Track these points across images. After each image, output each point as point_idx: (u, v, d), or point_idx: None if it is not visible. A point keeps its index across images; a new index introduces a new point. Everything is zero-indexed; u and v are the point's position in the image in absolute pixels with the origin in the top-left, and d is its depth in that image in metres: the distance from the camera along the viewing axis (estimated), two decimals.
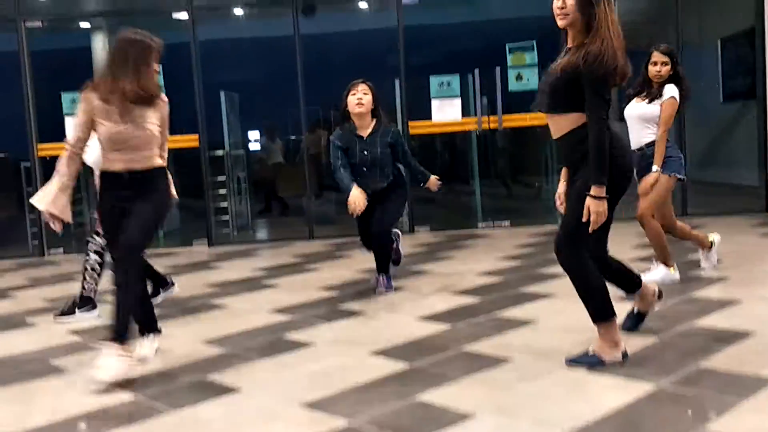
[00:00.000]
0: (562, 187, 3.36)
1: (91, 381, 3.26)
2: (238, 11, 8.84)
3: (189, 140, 8.12)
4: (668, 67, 4.55)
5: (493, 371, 3.21)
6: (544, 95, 3.12)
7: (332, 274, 5.79)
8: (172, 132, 9.27)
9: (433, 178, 5.20)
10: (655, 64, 4.55)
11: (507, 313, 4.20)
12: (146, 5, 8.52)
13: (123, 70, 3.37)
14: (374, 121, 4.87)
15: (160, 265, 6.85)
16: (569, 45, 3.07)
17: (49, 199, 3.40)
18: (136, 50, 3.41)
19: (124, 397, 3.15)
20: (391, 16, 8.06)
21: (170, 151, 9.39)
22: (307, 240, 7.94)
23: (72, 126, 3.49)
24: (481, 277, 5.29)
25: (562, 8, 2.99)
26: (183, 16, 8.00)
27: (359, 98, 4.79)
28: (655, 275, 4.64)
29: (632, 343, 3.38)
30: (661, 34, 12.14)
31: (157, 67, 3.52)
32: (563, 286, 4.59)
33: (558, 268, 5.05)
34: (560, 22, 3.02)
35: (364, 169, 4.80)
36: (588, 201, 2.96)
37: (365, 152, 4.78)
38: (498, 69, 7.73)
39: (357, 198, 4.67)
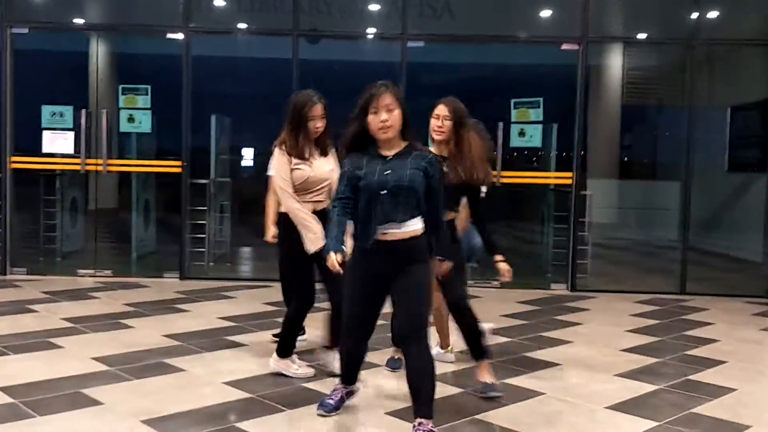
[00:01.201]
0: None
1: None
2: (236, 32, 8.44)
3: (172, 165, 7.72)
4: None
5: None
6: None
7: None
8: (158, 157, 8.93)
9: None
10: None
11: (489, 417, 3.76)
12: (141, 20, 8.14)
13: (289, 126, 4.15)
14: (404, 144, 3.35)
15: (124, 298, 6.48)
16: (442, 153, 3.96)
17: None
18: (296, 109, 4.12)
19: None
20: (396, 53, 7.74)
21: (153, 176, 9.03)
22: None
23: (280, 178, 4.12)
24: (462, 357, 4.85)
25: (440, 127, 4.02)
26: (178, 36, 7.62)
27: (383, 120, 3.24)
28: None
29: None
30: (670, 94, 11.94)
31: (319, 122, 4.13)
32: (553, 380, 4.24)
33: (549, 355, 4.66)
34: (437, 137, 4.03)
35: (382, 193, 3.23)
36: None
37: (387, 172, 3.26)
38: (501, 124, 7.39)
39: (331, 263, 3.21)
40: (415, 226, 3.30)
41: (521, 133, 7.43)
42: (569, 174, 7.57)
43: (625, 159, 13.25)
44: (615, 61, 12.08)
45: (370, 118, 3.27)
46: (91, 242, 8.54)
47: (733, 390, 4.28)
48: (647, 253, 10.36)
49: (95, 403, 3.76)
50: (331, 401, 3.70)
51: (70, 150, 7.65)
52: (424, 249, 3.35)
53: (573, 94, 7.62)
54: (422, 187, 3.27)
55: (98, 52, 8.99)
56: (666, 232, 9.88)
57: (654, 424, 3.67)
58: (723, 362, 4.89)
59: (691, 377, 4.52)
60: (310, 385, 4.15)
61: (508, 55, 10.64)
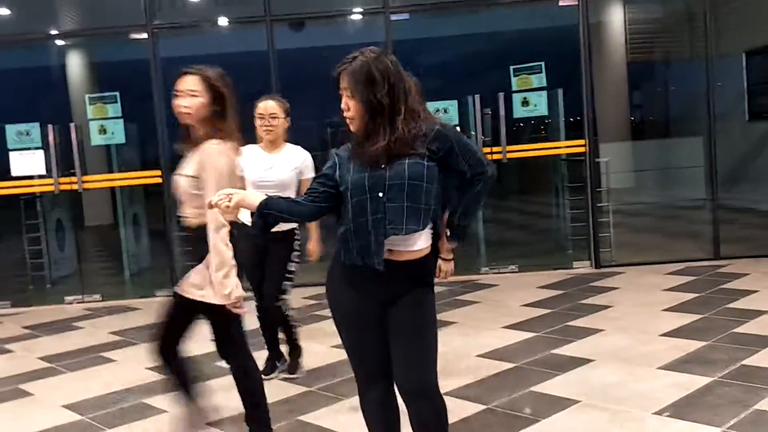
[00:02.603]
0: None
1: None
2: (203, 25, 7.83)
3: (152, 176, 7.18)
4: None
5: None
6: None
7: None
8: (143, 168, 8.34)
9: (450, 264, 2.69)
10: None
11: None
12: (103, 23, 7.57)
13: None
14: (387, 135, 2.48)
15: (110, 326, 5.96)
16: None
17: None
18: None
19: None
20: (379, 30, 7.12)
21: (140, 188, 8.47)
22: None
23: None
24: (483, 362, 4.29)
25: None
26: (142, 35, 7.04)
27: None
28: None
29: None
30: (677, 45, 11.24)
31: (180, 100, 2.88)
32: (587, 382, 3.61)
33: (579, 350, 4.06)
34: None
35: (380, 195, 2.36)
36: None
37: (381, 168, 2.38)
38: (502, 95, 6.76)
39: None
40: (425, 240, 2.44)
41: (525, 102, 6.80)
42: (581, 142, 6.95)
43: (637, 119, 12.60)
44: (616, 16, 11.41)
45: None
46: (81, 265, 8.02)
47: None
48: (673, 217, 9.69)
49: None
50: None
51: (42, 170, 7.11)
52: (432, 270, 2.55)
53: (576, 55, 6.96)
54: (432, 178, 2.37)
55: (63, 63, 8.42)
56: (690, 191, 9.24)
57: (716, 430, 3.08)
58: None
59: (746, 362, 3.92)
60: None
61: (503, 22, 10.00)
